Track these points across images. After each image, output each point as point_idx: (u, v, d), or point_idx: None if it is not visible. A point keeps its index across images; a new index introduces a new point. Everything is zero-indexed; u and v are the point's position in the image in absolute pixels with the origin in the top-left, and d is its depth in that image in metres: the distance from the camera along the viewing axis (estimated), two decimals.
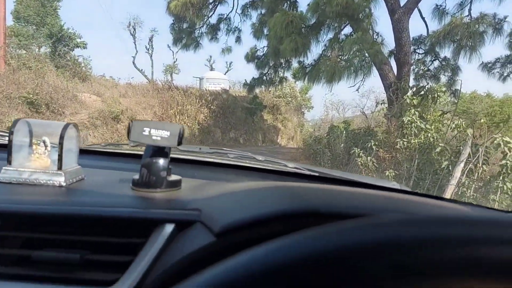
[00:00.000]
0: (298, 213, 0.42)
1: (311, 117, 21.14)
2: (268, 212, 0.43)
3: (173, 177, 0.67)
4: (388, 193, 0.78)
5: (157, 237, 0.45)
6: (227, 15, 11.91)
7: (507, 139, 4.38)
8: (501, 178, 4.40)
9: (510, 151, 4.30)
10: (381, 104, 8.23)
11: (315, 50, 8.44)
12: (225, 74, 21.12)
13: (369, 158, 6.42)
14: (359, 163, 6.40)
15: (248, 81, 13.11)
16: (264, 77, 12.51)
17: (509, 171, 4.29)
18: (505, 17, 7.25)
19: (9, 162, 0.63)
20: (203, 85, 17.94)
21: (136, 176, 0.64)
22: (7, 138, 0.67)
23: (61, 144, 0.63)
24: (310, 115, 21.80)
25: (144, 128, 0.62)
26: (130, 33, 20.12)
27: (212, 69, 22.04)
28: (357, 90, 8.36)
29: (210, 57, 23.16)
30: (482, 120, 5.18)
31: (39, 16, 14.58)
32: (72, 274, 0.43)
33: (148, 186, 0.63)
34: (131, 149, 1.09)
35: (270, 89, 16.53)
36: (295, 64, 10.49)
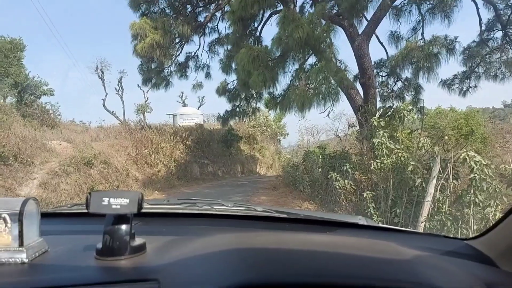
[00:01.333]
0: (255, 285, 0.46)
1: (287, 144, 21.44)
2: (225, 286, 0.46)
3: (137, 241, 0.69)
4: (351, 239, 0.84)
5: None
6: (195, 53, 12.22)
7: (472, 153, 4.62)
8: (471, 191, 4.59)
9: (476, 165, 4.52)
10: (352, 127, 8.51)
11: (283, 81, 8.72)
12: (198, 108, 21.28)
13: (346, 181, 6.55)
14: (337, 186, 6.51)
15: (222, 114, 13.28)
16: (237, 108, 12.71)
17: (478, 184, 4.49)
18: (456, 38, 7.85)
19: None
20: (177, 121, 17.96)
21: (100, 245, 0.66)
22: None
23: (20, 220, 0.65)
24: (286, 141, 22.10)
25: (103, 198, 0.65)
26: (99, 76, 20.10)
27: (184, 105, 22.17)
28: (328, 115, 8.59)
29: (182, 93, 23.34)
30: (448, 134, 5.45)
31: (2, 67, 14.39)
32: None
33: (112, 254, 0.65)
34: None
35: (244, 120, 16.74)
36: (266, 95, 10.76)
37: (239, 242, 0.72)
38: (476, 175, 4.47)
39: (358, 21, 8.50)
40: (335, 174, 6.70)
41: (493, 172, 4.47)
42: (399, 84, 8.72)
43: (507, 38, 8.18)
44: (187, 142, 14.73)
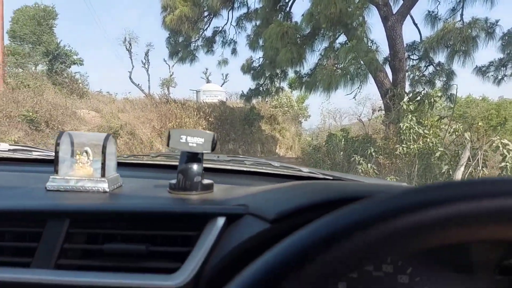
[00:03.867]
0: (339, 199, 0.48)
1: (308, 126, 21.26)
2: (314, 200, 0.49)
3: (206, 181, 0.73)
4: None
5: (211, 229, 0.51)
6: (222, 28, 12.09)
7: (505, 141, 4.46)
8: None
9: (509, 153, 4.37)
10: (378, 111, 8.34)
11: (311, 60, 8.57)
12: (221, 86, 21.28)
13: (369, 165, 6.49)
14: (360, 170, 6.47)
15: (245, 92, 13.25)
16: (261, 87, 12.65)
17: (509, 173, 4.36)
18: (497, 21, 7.44)
19: (56, 171, 0.69)
20: (200, 97, 18.07)
21: (173, 181, 0.70)
22: (48, 153, 0.72)
23: (103, 153, 0.70)
24: (308, 124, 21.92)
25: (181, 136, 0.68)
26: (126, 48, 20.26)
27: (208, 81, 22.20)
28: (354, 97, 8.45)
29: (207, 69, 23.34)
30: (479, 124, 5.28)
31: (35, 35, 14.73)
32: (138, 263, 0.48)
33: (185, 189, 0.69)
34: (152, 160, 1.14)
35: (267, 100, 16.68)
36: (291, 74, 10.63)
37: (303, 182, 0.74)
38: (508, 163, 4.34)
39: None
40: (358, 157, 6.64)
41: None
42: (431, 69, 8.41)
43: None
44: (210, 119, 14.84)
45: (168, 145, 0.69)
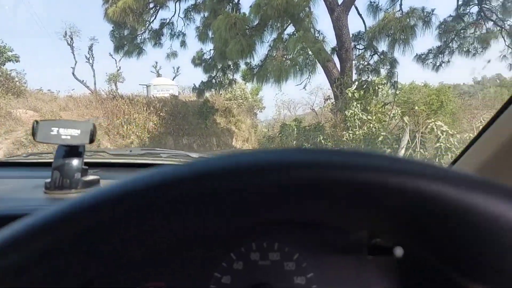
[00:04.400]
0: None
1: (264, 118, 21.45)
2: None
3: (90, 177, 0.68)
4: None
5: None
6: (170, 20, 11.79)
7: (439, 123, 4.82)
8: (437, 160, 4.83)
9: (442, 134, 4.73)
10: (328, 99, 8.61)
11: (261, 51, 8.63)
12: (173, 79, 20.78)
13: None
14: None
15: (198, 85, 13.05)
16: (213, 80, 12.53)
17: (443, 153, 4.72)
18: (433, 10, 7.94)
19: None
20: (151, 92, 17.52)
21: (49, 179, 0.65)
22: None
23: None
24: (263, 115, 22.08)
25: (52, 128, 0.62)
26: (67, 43, 19.05)
27: (159, 75, 21.54)
28: (304, 87, 8.64)
29: (156, 63, 22.60)
30: (417, 108, 5.64)
31: None
32: None
33: (62, 188, 0.63)
34: (32, 158, 1.07)
35: (220, 92, 16.55)
36: (243, 66, 10.62)
37: None
38: (441, 143, 4.69)
39: None
40: (308, 145, 6.83)
41: (458, 141, 4.71)
42: (375, 57, 8.80)
43: (482, 14, 8.35)
44: (161, 114, 14.46)
45: (35, 139, 0.64)
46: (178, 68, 22.63)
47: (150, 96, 15.99)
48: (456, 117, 8.04)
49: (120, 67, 20.34)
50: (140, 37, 11.91)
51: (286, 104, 18.73)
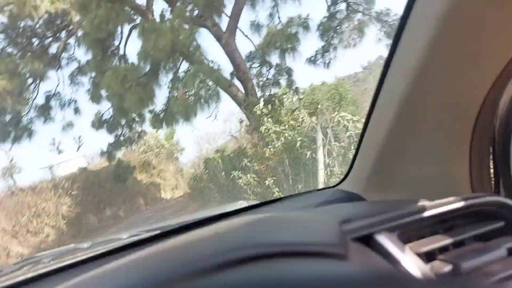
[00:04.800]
0: None
1: (187, 159, 21.17)
2: None
3: None
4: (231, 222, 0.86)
5: None
6: (55, 90, 11.25)
7: (343, 114, 5.40)
8: (352, 147, 5.35)
9: (349, 123, 5.29)
10: (241, 122, 8.97)
11: (161, 95, 8.71)
12: (77, 151, 19.52)
13: (248, 175, 6.90)
14: (242, 183, 6.83)
15: (105, 149, 12.52)
16: (121, 138, 12.15)
17: (355, 139, 5.26)
18: (308, 15, 8.92)
19: None
20: (56, 172, 16.21)
21: None
22: None
23: None
24: (185, 157, 21.77)
25: None
26: None
27: (60, 151, 20.05)
28: (215, 118, 8.87)
29: (54, 139, 21.02)
30: (321, 106, 6.22)
31: None
32: None
33: None
34: None
35: (133, 148, 16.06)
36: (148, 115, 10.53)
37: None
38: (351, 132, 5.24)
39: (220, 18, 8.97)
40: (237, 172, 7.00)
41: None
42: (272, 71, 9.48)
43: (350, 8, 9.64)
44: (73, 192, 13.46)
45: None
46: (80, 138, 21.34)
47: (57, 177, 14.81)
48: (358, 103, 8.98)
49: (12, 157, 18.48)
50: (26, 118, 11.11)
51: (205, 138, 18.84)
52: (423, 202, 0.55)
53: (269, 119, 6.44)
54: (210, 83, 8.21)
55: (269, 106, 7.29)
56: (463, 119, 0.70)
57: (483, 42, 0.58)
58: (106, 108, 10.96)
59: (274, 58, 8.97)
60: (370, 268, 0.40)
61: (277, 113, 7.13)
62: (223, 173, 9.15)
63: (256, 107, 6.74)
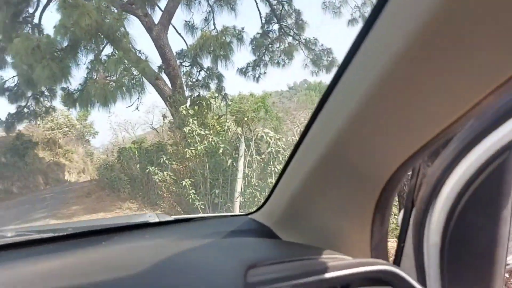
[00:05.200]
0: None
1: (100, 143, 19.56)
2: None
3: None
4: (132, 245, 0.81)
5: None
6: None
7: (266, 130, 5.39)
8: (271, 163, 5.38)
9: (271, 140, 5.30)
10: (165, 117, 8.49)
11: (78, 74, 7.78)
12: None
13: (165, 173, 6.51)
14: (157, 180, 6.41)
15: (4, 119, 10.90)
16: (25, 109, 10.69)
17: (274, 156, 5.30)
18: (243, 28, 8.80)
19: None
20: None
21: None
22: None
23: None
24: (98, 141, 20.14)
25: None
26: None
27: None
28: (137, 108, 8.23)
29: None
30: (247, 116, 6.16)
31: None
32: None
33: None
34: None
35: (38, 123, 14.28)
36: (60, 91, 9.37)
37: None
38: (272, 148, 5.25)
39: (153, 10, 8.38)
40: (153, 167, 6.56)
41: (284, 144, 5.37)
42: (203, 73, 9.16)
43: (282, 30, 9.78)
44: None
45: None
46: None
47: None
48: (281, 120, 9.20)
49: None
50: None
51: (123, 126, 17.54)
52: (326, 259, 0.61)
53: (195, 121, 6.14)
54: (135, 72, 7.59)
55: (196, 108, 6.97)
56: (373, 184, 0.70)
57: (418, 109, 0.53)
58: (10, 75, 9.50)
59: (206, 62, 8.67)
60: None
61: (203, 116, 6.86)
62: (138, 165, 8.55)
63: (182, 106, 6.39)
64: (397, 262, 0.82)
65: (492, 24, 0.37)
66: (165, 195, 6.51)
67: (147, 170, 6.70)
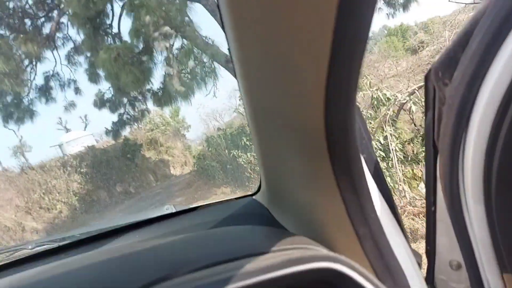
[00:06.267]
0: None
1: (195, 136, 21.03)
2: None
3: None
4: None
5: None
6: (53, 71, 10.97)
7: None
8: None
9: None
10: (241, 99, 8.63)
11: (157, 73, 8.36)
12: (85, 129, 19.56)
13: (249, 154, 6.66)
14: (242, 162, 6.60)
15: (110, 128, 12.42)
16: (125, 116, 11.99)
17: None
18: None
19: None
20: (66, 150, 16.29)
21: None
22: None
23: None
24: (193, 134, 21.62)
25: None
26: None
27: (67, 130, 20.08)
28: (214, 95, 8.53)
29: (60, 118, 20.99)
30: None
31: None
32: None
33: None
34: None
35: (139, 126, 15.96)
36: (147, 93, 10.26)
37: None
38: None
39: None
40: (237, 151, 6.76)
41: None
42: None
43: None
44: (82, 170, 13.50)
45: None
46: (85, 116, 21.31)
47: (67, 155, 14.85)
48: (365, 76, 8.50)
49: (21, 137, 18.57)
50: (27, 99, 10.95)
51: (211, 115, 18.52)
52: (273, 256, 0.50)
53: None
54: (205, 59, 7.81)
55: None
56: (313, 135, 0.52)
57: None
58: (106, 87, 10.72)
59: None
60: None
61: None
62: (226, 151, 8.94)
63: None
64: (430, 230, 0.66)
65: None
66: (251, 176, 6.66)
67: (231, 154, 6.94)
